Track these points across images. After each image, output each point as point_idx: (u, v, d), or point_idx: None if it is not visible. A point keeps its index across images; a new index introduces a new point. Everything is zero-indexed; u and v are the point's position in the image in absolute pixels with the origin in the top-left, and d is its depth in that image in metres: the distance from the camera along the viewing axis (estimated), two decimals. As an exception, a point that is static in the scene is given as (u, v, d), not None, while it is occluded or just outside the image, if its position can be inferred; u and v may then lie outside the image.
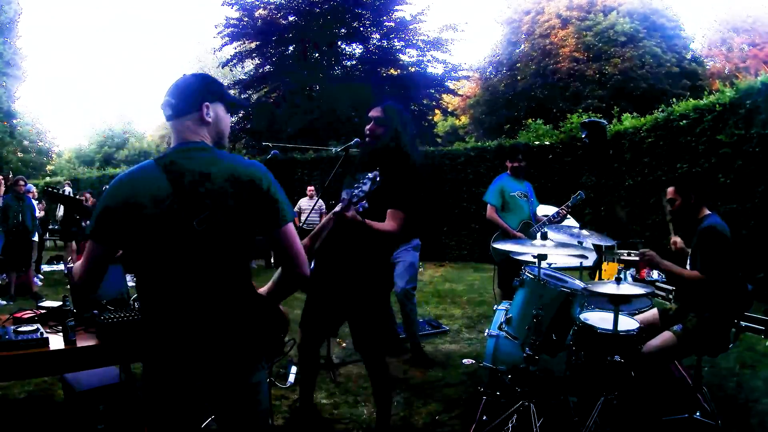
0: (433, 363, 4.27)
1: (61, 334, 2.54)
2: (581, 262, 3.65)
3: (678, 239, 3.31)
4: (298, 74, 15.50)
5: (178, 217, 1.48)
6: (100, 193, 10.83)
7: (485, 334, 3.47)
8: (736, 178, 6.21)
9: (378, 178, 2.25)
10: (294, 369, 4.05)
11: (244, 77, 18.02)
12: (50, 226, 11.91)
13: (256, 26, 15.65)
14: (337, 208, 2.36)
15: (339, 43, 16.31)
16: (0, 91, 20.06)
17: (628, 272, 6.66)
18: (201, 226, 1.48)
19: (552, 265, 3.49)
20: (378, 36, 16.41)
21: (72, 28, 62.77)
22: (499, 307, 3.56)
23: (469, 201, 10.75)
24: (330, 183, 3.02)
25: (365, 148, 2.87)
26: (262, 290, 1.71)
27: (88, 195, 10.40)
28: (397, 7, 15.82)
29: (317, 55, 16.13)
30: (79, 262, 1.61)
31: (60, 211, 10.34)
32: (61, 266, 10.11)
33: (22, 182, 7.48)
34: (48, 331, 2.60)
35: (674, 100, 8.62)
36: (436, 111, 18.65)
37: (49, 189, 2.04)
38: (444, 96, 17.72)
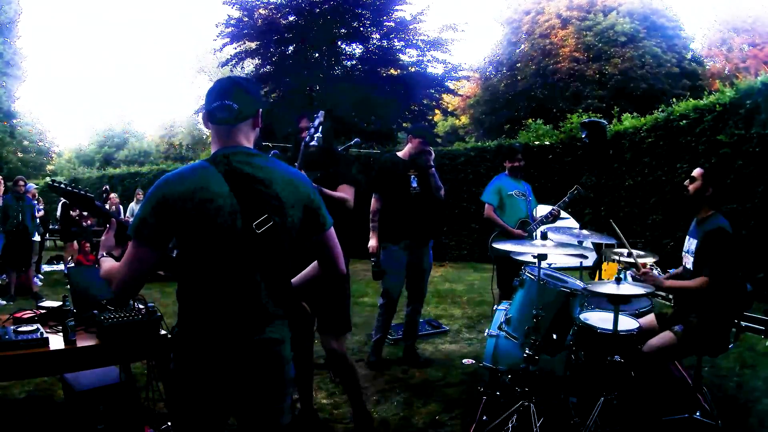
0: (429, 362, 4.26)
1: (61, 334, 2.54)
2: (581, 262, 3.65)
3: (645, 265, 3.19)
4: (298, 74, 15.49)
5: (239, 219, 1.48)
6: (101, 194, 10.75)
7: (485, 334, 3.47)
8: (736, 178, 6.21)
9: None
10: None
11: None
12: (50, 226, 11.91)
13: (257, 26, 15.63)
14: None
15: (339, 43, 16.29)
16: (0, 91, 20.05)
17: (628, 272, 6.65)
18: (260, 229, 1.49)
19: (552, 265, 3.49)
20: (378, 36, 16.39)
21: (72, 28, 62.75)
22: (499, 307, 3.56)
23: (469, 201, 10.74)
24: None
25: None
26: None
27: (113, 195, 10.44)
28: (397, 7, 15.79)
29: (317, 55, 16.11)
30: (110, 266, 1.56)
31: (58, 210, 10.34)
32: (61, 266, 10.11)
33: (22, 182, 7.49)
34: (48, 331, 2.61)
35: (674, 100, 8.62)
36: (436, 111, 18.62)
37: (54, 183, 1.99)
38: (444, 96, 17.69)
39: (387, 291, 4.19)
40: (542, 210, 4.78)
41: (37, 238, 8.27)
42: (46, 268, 10.08)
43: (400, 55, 16.65)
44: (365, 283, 7.19)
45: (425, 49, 16.49)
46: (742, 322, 3.27)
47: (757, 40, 23.55)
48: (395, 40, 16.47)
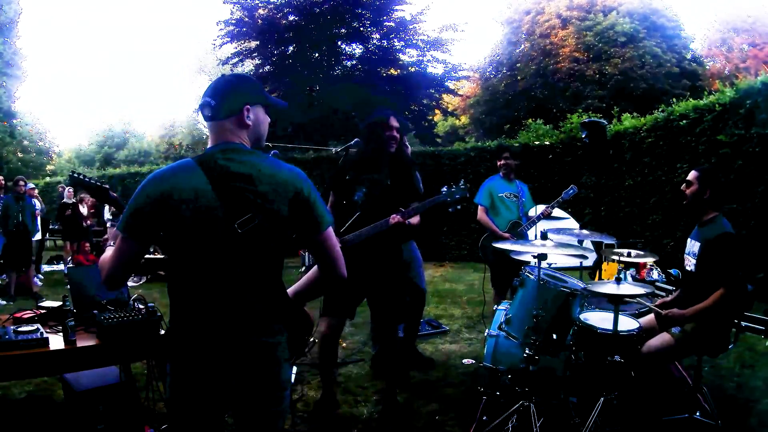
0: (432, 363, 4.25)
1: (61, 334, 2.54)
2: (581, 262, 3.66)
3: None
4: (298, 74, 15.49)
5: (221, 218, 1.47)
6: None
7: (485, 334, 3.47)
8: (736, 178, 6.21)
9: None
10: (294, 369, 4.04)
11: (244, 77, 17.99)
12: (50, 226, 11.91)
13: (257, 26, 15.64)
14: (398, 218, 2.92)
15: (339, 43, 16.29)
16: (0, 91, 20.05)
17: (628, 272, 6.66)
18: (243, 229, 1.47)
19: (552, 265, 3.49)
20: (378, 36, 16.38)
21: (72, 28, 62.78)
22: (499, 307, 3.56)
23: (469, 201, 10.72)
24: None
25: (387, 153, 3.12)
26: (290, 290, 1.70)
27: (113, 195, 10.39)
28: (397, 7, 15.79)
29: (317, 55, 16.11)
30: (106, 255, 1.57)
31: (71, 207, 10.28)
32: (61, 266, 10.11)
33: (22, 182, 7.49)
34: (48, 331, 2.61)
35: (674, 100, 8.61)
36: (436, 111, 18.61)
37: (74, 174, 2.03)
38: (444, 96, 17.68)
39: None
40: (540, 210, 4.79)
41: (37, 237, 8.27)
42: (46, 268, 10.07)
43: (400, 55, 16.65)
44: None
45: (425, 49, 16.49)
46: (742, 322, 3.27)
47: (757, 40, 23.54)
48: (395, 40, 16.46)
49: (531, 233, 4.54)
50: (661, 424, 2.88)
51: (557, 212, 9.28)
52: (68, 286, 3.04)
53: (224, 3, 15.44)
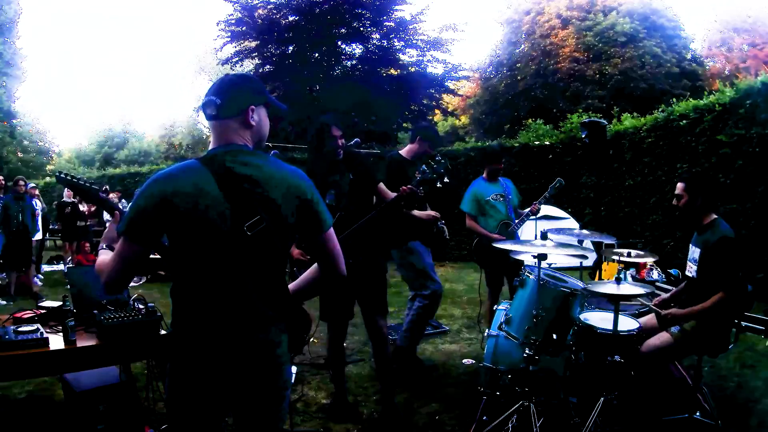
0: (428, 370, 4.19)
1: (61, 334, 2.54)
2: (581, 262, 3.66)
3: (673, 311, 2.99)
4: (298, 74, 15.48)
5: (230, 220, 1.46)
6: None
7: (485, 334, 3.47)
8: (736, 178, 6.21)
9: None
10: (294, 369, 4.04)
11: (244, 77, 17.99)
12: (50, 226, 11.91)
13: (257, 26, 15.63)
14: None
15: (339, 43, 16.28)
16: (0, 91, 20.04)
17: (628, 272, 6.66)
18: (252, 231, 1.47)
19: (552, 265, 3.49)
20: (378, 36, 16.37)
21: (72, 28, 62.75)
22: (499, 307, 3.56)
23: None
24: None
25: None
26: (289, 287, 1.70)
27: (113, 195, 10.42)
28: (397, 7, 15.78)
29: (317, 55, 16.11)
30: (103, 259, 1.55)
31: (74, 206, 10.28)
32: (61, 266, 10.11)
33: (22, 182, 7.49)
34: (48, 331, 2.61)
35: (674, 100, 8.61)
36: (436, 111, 18.60)
37: (61, 175, 2.00)
38: (444, 96, 17.66)
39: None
40: (542, 210, 4.79)
41: (37, 237, 8.27)
42: (46, 268, 10.07)
43: (400, 55, 16.64)
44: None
45: (425, 49, 16.48)
46: (742, 322, 3.27)
47: (757, 40, 23.53)
48: (395, 40, 16.45)
49: (527, 231, 4.55)
50: (661, 424, 2.88)
51: (557, 212, 9.32)
52: (68, 286, 3.05)
53: (225, 1, 15.44)
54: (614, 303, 2.76)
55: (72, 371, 2.75)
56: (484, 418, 2.93)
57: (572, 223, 8.83)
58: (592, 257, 5.22)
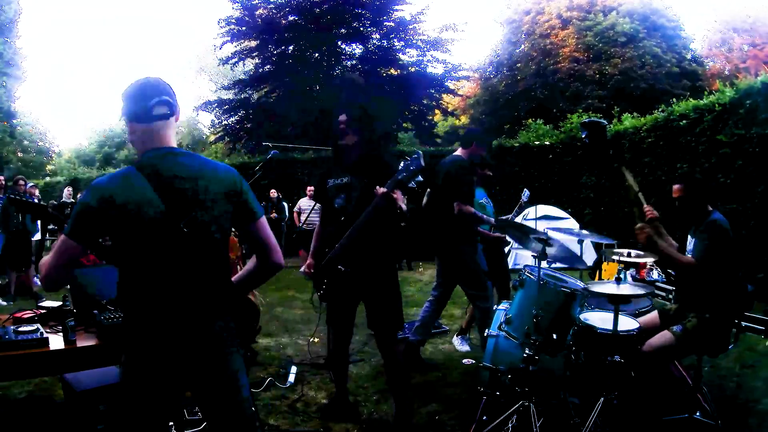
0: (434, 367, 4.21)
1: (61, 334, 2.54)
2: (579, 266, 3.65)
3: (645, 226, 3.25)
4: (298, 74, 15.49)
5: (166, 219, 1.54)
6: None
7: (485, 334, 3.47)
8: (736, 178, 6.21)
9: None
10: (294, 369, 4.05)
11: (244, 77, 18.03)
12: (50, 226, 11.89)
13: (257, 25, 15.65)
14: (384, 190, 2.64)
15: (339, 43, 16.30)
16: (0, 91, 20.04)
17: (628, 272, 6.66)
18: (188, 228, 1.56)
19: (552, 265, 3.50)
20: (378, 36, 16.39)
21: (72, 28, 62.70)
22: (499, 307, 3.56)
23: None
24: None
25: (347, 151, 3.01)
26: (233, 280, 1.78)
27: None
28: (396, 7, 15.80)
29: (317, 55, 16.12)
30: (46, 258, 1.62)
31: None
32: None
33: (22, 182, 7.48)
34: (48, 331, 2.61)
35: (674, 100, 8.62)
36: (436, 111, 18.62)
37: (12, 196, 2.08)
38: (444, 96, 17.69)
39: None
40: (542, 210, 4.87)
41: (37, 237, 8.26)
42: (46, 268, 10.06)
43: (400, 55, 16.66)
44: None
45: (425, 49, 16.50)
46: (742, 322, 3.27)
47: (757, 41, 23.54)
48: (395, 40, 16.47)
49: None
50: (661, 424, 2.88)
51: (557, 212, 9.33)
52: (68, 286, 3.04)
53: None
54: (614, 303, 2.76)
55: (72, 371, 2.75)
56: (484, 418, 2.93)
57: (572, 223, 8.82)
58: (592, 257, 5.22)
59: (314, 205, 8.59)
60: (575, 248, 4.23)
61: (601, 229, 3.99)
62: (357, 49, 16.89)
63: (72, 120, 58.95)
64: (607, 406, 2.68)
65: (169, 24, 60.12)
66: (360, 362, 4.28)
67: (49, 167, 27.21)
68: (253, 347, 4.33)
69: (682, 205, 3.05)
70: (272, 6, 15.88)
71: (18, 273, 7.23)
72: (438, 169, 4.19)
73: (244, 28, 15.80)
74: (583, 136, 7.38)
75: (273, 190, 10.73)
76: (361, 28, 16.08)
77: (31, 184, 8.73)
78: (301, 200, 9.86)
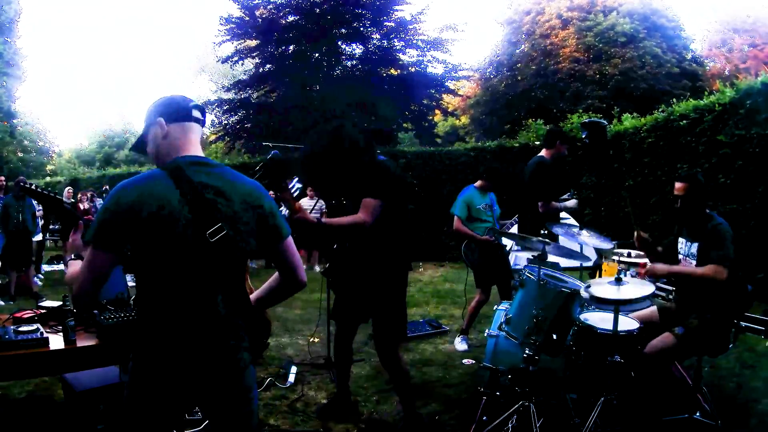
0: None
1: (61, 334, 2.54)
2: (581, 263, 3.66)
3: (642, 233, 3.35)
4: (298, 74, 15.49)
5: (192, 229, 1.49)
6: (102, 193, 10.74)
7: (485, 334, 3.47)
8: (736, 179, 6.21)
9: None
10: (294, 369, 4.05)
11: (244, 77, 18.02)
12: (50, 226, 11.90)
13: (257, 25, 15.64)
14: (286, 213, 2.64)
15: (339, 43, 16.29)
16: (0, 91, 20.05)
17: (628, 272, 6.65)
18: (213, 238, 1.51)
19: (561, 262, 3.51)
20: (378, 36, 16.38)
21: (72, 28, 62.69)
22: (499, 307, 3.56)
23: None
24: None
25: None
26: (252, 297, 1.76)
27: (89, 194, 10.39)
28: (397, 7, 15.79)
29: (317, 55, 16.11)
30: (73, 270, 1.58)
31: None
32: (61, 266, 10.11)
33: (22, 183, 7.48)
34: (48, 331, 2.61)
35: (674, 100, 8.61)
36: (436, 111, 18.61)
37: (24, 184, 2.01)
38: (444, 96, 17.68)
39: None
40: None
41: (38, 237, 8.27)
42: (46, 268, 10.07)
43: (400, 55, 16.65)
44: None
45: (425, 49, 16.49)
46: (742, 323, 3.27)
47: (757, 41, 23.53)
48: (395, 40, 16.46)
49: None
50: (661, 424, 2.88)
51: (557, 212, 9.30)
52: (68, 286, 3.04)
53: (228, -2, 15.46)
54: (614, 303, 2.76)
55: (72, 371, 2.75)
56: (484, 418, 2.93)
57: (572, 223, 8.82)
58: (592, 257, 5.22)
59: (314, 205, 8.65)
60: (575, 248, 4.23)
61: (601, 230, 4.02)
62: (357, 49, 16.89)
63: (72, 120, 59.02)
64: (607, 406, 2.68)
65: (169, 24, 60.13)
66: (360, 362, 4.28)
67: (49, 167, 27.22)
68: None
69: (683, 203, 3.03)
70: (272, 6, 15.87)
71: (18, 273, 7.23)
72: (525, 171, 4.58)
73: (244, 28, 15.79)
74: (584, 136, 7.35)
75: (271, 192, 10.73)
76: (361, 28, 16.07)
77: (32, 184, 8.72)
78: (302, 200, 9.88)
